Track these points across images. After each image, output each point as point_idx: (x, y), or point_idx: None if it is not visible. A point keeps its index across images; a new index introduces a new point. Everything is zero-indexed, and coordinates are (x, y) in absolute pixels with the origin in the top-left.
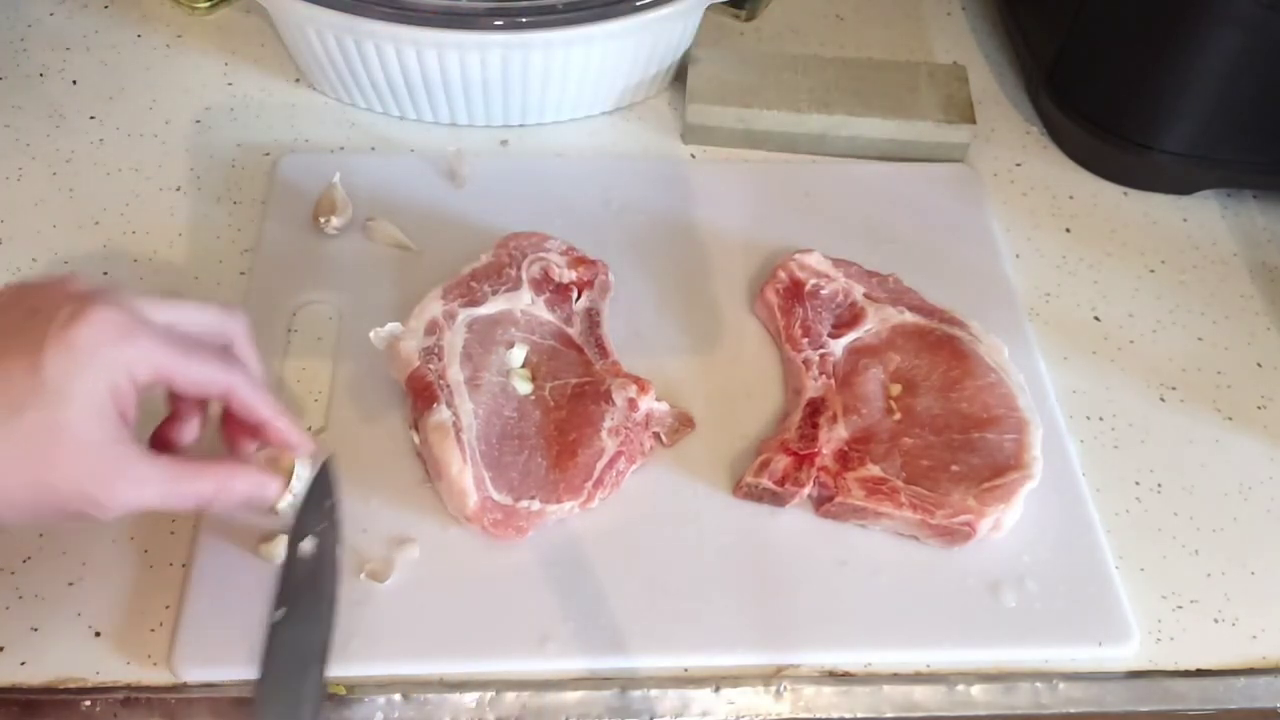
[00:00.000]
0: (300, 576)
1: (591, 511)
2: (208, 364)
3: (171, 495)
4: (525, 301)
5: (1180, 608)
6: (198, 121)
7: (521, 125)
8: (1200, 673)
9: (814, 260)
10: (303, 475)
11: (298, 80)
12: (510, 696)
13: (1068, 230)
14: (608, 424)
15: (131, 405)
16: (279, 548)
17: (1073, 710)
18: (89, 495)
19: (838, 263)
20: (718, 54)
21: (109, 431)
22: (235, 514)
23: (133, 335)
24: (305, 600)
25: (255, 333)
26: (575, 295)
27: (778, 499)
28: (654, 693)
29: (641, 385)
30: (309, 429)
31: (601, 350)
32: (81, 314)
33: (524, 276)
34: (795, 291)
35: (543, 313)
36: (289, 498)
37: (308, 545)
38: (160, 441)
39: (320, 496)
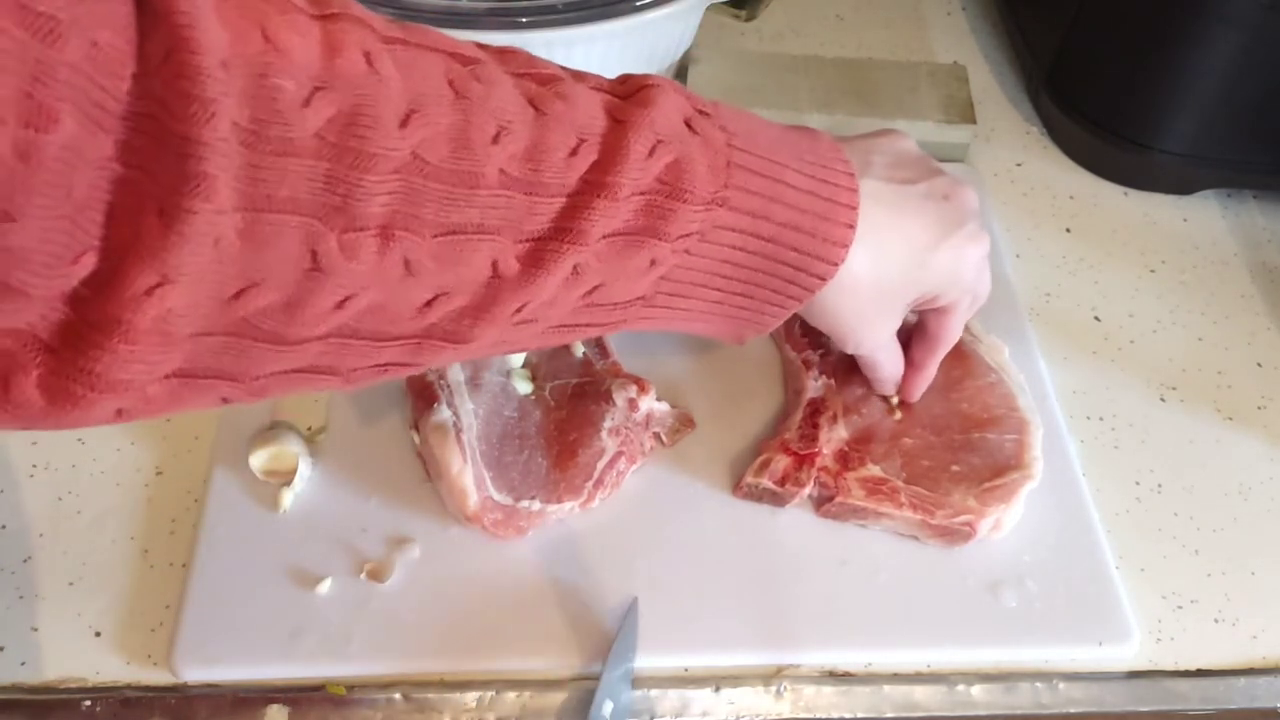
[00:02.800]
0: None
1: (591, 511)
2: (964, 319)
3: (886, 373)
4: None
5: (1180, 608)
6: None
7: None
8: (1200, 673)
9: None
10: (304, 474)
11: None
12: (510, 696)
13: (1068, 230)
14: (608, 424)
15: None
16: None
17: (1073, 710)
18: (856, 343)
19: None
20: (718, 54)
21: (902, 313)
22: None
23: (979, 278)
24: None
25: None
26: None
27: (778, 499)
28: (654, 693)
29: (641, 385)
30: (308, 429)
31: (601, 350)
32: (977, 240)
33: None
34: None
35: None
36: (291, 496)
37: (606, 710)
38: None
39: (627, 645)
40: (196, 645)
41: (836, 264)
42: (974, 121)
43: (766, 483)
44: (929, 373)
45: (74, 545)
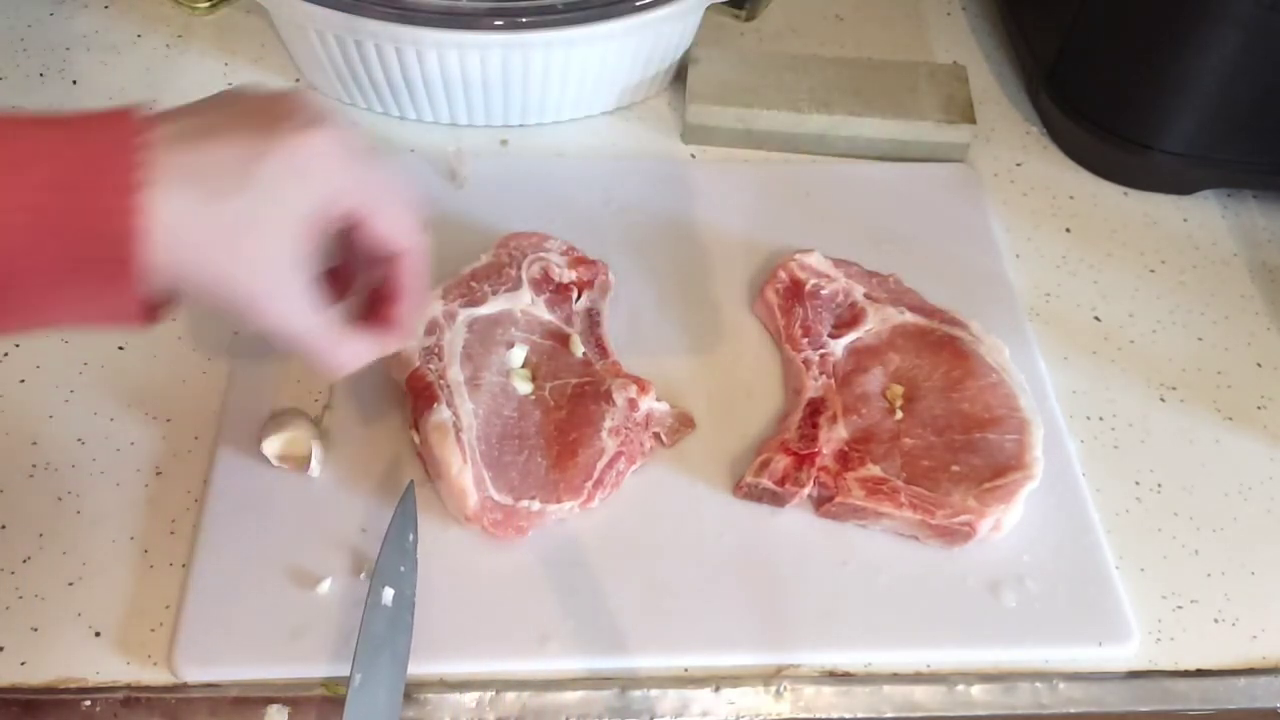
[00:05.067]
0: (377, 633)
1: (591, 511)
2: (403, 218)
3: (310, 345)
4: (525, 301)
5: (1180, 608)
6: None
7: (521, 125)
8: (1200, 673)
9: (814, 260)
10: (318, 456)
11: (298, 80)
12: (510, 696)
13: (1068, 230)
14: (608, 424)
15: (317, 236)
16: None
17: (1073, 710)
18: (253, 299)
19: (838, 263)
20: (718, 54)
21: (293, 249)
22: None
23: (351, 166)
24: (381, 664)
25: (254, 333)
26: (575, 295)
27: (778, 499)
28: (654, 693)
29: (641, 385)
30: (315, 417)
31: (601, 350)
32: (313, 127)
33: (524, 276)
34: (795, 291)
35: (543, 313)
36: (318, 468)
37: (388, 594)
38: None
39: (404, 529)
40: (196, 645)
41: (131, 213)
42: (974, 121)
43: (766, 483)
44: (408, 305)
45: (74, 545)
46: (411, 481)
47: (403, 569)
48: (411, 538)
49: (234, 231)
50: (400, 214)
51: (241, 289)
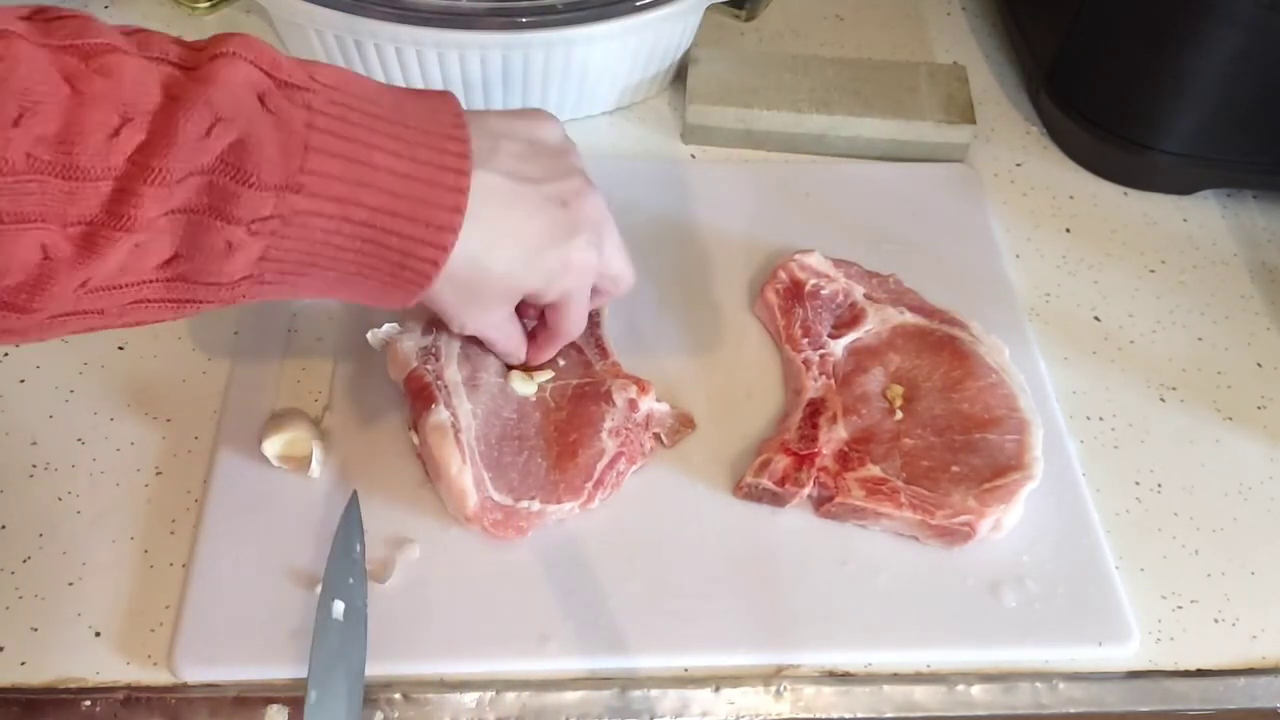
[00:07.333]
0: (330, 648)
1: (591, 512)
2: (579, 320)
3: (505, 347)
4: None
5: (1180, 608)
6: None
7: None
8: (1200, 673)
9: (814, 260)
10: (319, 457)
11: None
12: (510, 696)
13: (1068, 230)
14: (608, 425)
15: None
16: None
17: (1073, 710)
18: (474, 322)
19: (838, 263)
20: (718, 54)
21: (514, 301)
22: None
23: (586, 287)
24: (337, 678)
25: (254, 333)
26: None
27: (778, 499)
28: (654, 693)
29: (642, 386)
30: (315, 417)
31: (601, 350)
32: (590, 251)
33: None
34: (795, 292)
35: None
36: (317, 469)
37: (338, 608)
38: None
39: (349, 540)
40: (196, 645)
41: (446, 249)
42: (974, 121)
43: (766, 483)
44: (547, 354)
45: (74, 545)
46: (355, 492)
47: (351, 580)
48: (358, 548)
49: (491, 283)
50: (578, 318)
51: (454, 317)
